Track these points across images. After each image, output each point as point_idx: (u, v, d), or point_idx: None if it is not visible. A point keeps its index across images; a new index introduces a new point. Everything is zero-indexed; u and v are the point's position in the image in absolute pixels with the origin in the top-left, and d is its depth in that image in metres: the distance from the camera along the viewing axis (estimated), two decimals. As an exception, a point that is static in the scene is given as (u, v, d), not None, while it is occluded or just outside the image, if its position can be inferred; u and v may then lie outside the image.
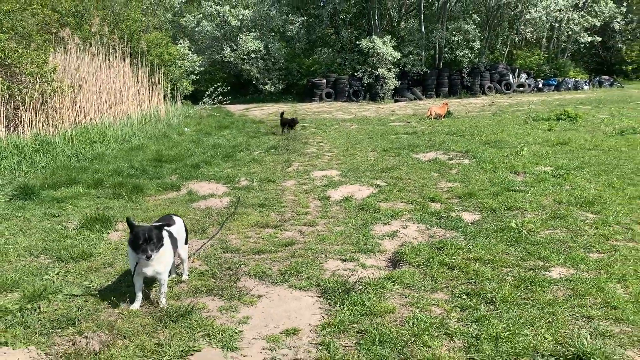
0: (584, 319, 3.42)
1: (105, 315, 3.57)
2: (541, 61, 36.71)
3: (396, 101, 29.06)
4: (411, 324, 3.40)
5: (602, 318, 3.43)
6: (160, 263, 3.67)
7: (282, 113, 15.73)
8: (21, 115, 11.32)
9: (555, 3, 29.47)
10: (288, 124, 14.45)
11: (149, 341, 3.22)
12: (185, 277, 4.32)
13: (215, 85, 21.54)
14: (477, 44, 30.17)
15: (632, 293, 3.76)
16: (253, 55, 28.11)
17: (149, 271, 3.65)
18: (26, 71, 11.21)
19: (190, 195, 7.22)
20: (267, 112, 23.29)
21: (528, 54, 37.23)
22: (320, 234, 5.51)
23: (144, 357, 3.07)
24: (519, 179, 7.54)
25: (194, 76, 25.92)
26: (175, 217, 4.31)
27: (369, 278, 4.17)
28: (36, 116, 11.63)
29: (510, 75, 32.90)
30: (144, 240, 3.52)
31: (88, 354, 3.04)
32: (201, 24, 28.71)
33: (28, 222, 5.90)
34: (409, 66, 30.61)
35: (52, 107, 12.38)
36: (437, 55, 32.30)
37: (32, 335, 3.26)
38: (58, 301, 3.77)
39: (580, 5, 33.17)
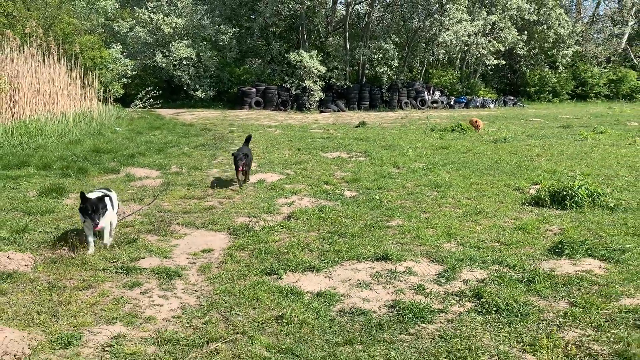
0: (399, 244, 5.33)
1: (73, 240, 5.08)
2: (454, 80, 40.15)
3: (321, 112, 31.12)
4: (288, 245, 5.17)
5: (411, 243, 5.35)
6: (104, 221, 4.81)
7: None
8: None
9: (464, 29, 32.76)
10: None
11: (109, 253, 4.79)
12: (105, 241, 5.04)
13: (146, 89, 22.59)
14: (395, 62, 32.91)
15: (437, 234, 5.72)
16: (185, 62, 29.27)
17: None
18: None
19: (128, 177, 8.67)
20: (198, 116, 24.59)
21: (443, 74, 40.58)
22: (235, 202, 7.20)
23: (106, 261, 4.64)
24: (397, 171, 9.57)
25: (126, 80, 26.72)
26: (110, 190, 5.41)
27: (265, 224, 5.91)
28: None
29: (426, 92, 35.97)
30: (92, 211, 4.62)
31: (68, 258, 4.57)
32: (134, 30, 29.56)
33: (-9, 192, 7.16)
34: (334, 80, 32.83)
35: (-10, 102, 13.26)
36: (360, 71, 34.80)
37: (25, 250, 4.73)
38: (37, 233, 5.24)
39: (487, 32, 36.85)
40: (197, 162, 10.48)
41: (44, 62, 16.35)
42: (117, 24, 30.48)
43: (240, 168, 7.93)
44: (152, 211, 6.56)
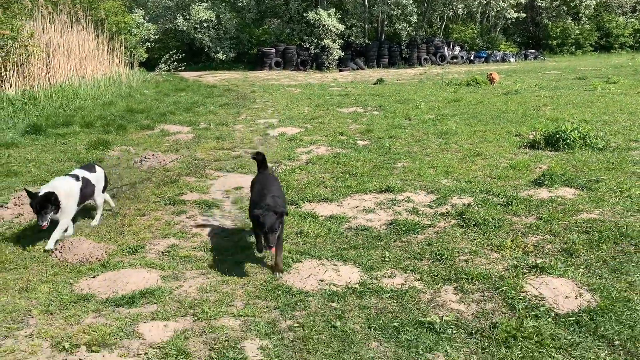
0: (402, 180, 6.15)
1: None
2: (475, 35, 39.85)
3: (340, 70, 31.54)
4: (306, 182, 6.05)
5: (412, 180, 6.17)
6: (63, 213, 4.26)
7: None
8: (5, 75, 13.19)
9: (483, -18, 32.45)
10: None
11: (156, 189, 5.73)
12: (95, 222, 4.78)
13: (169, 52, 23.38)
14: (414, 18, 32.91)
15: (436, 172, 6.50)
16: (205, 24, 29.86)
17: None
18: (7, 37, 13.05)
19: (163, 132, 9.59)
20: (220, 78, 25.37)
21: (463, 28, 40.24)
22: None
23: (155, 196, 5.59)
24: (408, 122, 10.29)
25: (149, 44, 27.54)
26: (96, 166, 4.83)
27: (286, 168, 6.78)
28: (17, 76, 13.52)
29: (445, 48, 35.93)
30: (37, 210, 4.08)
31: (124, 193, 5.52)
32: (155, -6, 30.16)
33: (45, 147, 8.16)
34: (353, 38, 33.05)
35: (29, 69, 14.25)
36: (378, 28, 34.89)
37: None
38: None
39: (507, -16, 36.33)
40: (223, 119, 11.34)
41: (73, 28, 17.24)
42: (138, -11, 31.03)
43: (271, 247, 3.81)
44: (187, 159, 7.48)
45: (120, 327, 3.04)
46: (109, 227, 4.76)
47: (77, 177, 4.44)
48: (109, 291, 3.53)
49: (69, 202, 4.22)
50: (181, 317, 3.21)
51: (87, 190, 4.51)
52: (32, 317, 3.22)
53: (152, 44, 28.08)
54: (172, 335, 3.01)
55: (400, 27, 33.81)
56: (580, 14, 40.65)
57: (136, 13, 27.77)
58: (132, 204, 5.39)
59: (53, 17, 16.19)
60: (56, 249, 4.16)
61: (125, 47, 23.54)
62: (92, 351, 2.80)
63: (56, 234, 4.21)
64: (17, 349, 2.88)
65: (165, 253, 4.20)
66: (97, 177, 4.69)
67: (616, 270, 3.63)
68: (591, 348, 2.78)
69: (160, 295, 3.46)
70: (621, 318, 3.02)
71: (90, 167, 4.74)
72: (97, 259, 4.07)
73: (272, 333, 3.03)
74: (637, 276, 3.54)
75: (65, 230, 4.44)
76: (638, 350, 2.74)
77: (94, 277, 3.77)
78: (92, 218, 4.93)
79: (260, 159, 4.71)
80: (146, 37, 27.58)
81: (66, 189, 4.26)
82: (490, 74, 18.23)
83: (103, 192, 4.86)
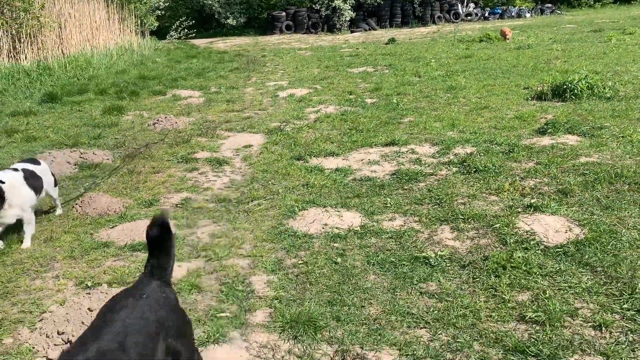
0: (407, 134, 6.28)
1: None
2: (489, -10, 38.84)
3: (352, 32, 31.17)
4: (313, 139, 6.21)
5: (418, 133, 6.29)
6: (15, 207, 3.81)
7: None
8: (19, 47, 13.43)
9: None
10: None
11: (169, 149, 5.96)
12: (59, 212, 4.46)
13: (180, 20, 23.35)
14: (426, -24, 32.18)
15: (442, 125, 6.61)
16: (214, -10, 29.64)
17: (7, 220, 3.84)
18: (20, 8, 13.22)
19: (175, 97, 9.78)
20: (230, 44, 25.33)
21: (477, -16, 39.21)
22: (269, 112, 8.23)
23: (168, 155, 5.81)
24: (417, 79, 10.31)
25: (159, 12, 27.49)
26: (40, 160, 4.47)
27: (295, 126, 6.95)
28: (31, 47, 13.74)
29: (459, 5, 35.17)
30: None
31: (139, 153, 5.76)
32: (163, -39, 29.90)
33: (62, 114, 8.41)
34: (364, -2, 32.51)
35: (42, 40, 14.45)
36: (390, -13, 34.18)
37: (104, 149, 5.95)
38: (109, 139, 6.45)
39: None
40: (233, 82, 11.47)
41: (83, -2, 17.33)
42: (145, -44, 30.77)
43: None
44: (199, 121, 7.68)
45: (138, 268, 3.30)
46: (125, 184, 5.01)
47: (15, 169, 4.02)
48: (127, 239, 3.78)
49: (15, 193, 3.79)
50: (194, 259, 3.46)
51: (34, 182, 4.05)
52: (57, 262, 3.50)
53: (163, 12, 28.00)
54: (186, 273, 3.26)
55: (412, -16, 33.10)
56: (600, -36, 39.31)
57: (145, -19, 27.62)
58: (146, 162, 5.63)
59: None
60: (76, 204, 4.43)
61: (135, 16, 23.57)
62: (112, 287, 3.06)
63: (28, 231, 3.91)
64: (46, 287, 3.16)
65: (179, 205, 4.44)
66: (42, 170, 4.25)
67: (608, 207, 3.76)
68: (575, 274, 2.96)
69: (175, 240, 3.70)
70: (606, 248, 3.18)
71: (32, 161, 4.37)
72: (115, 212, 4.33)
73: (277, 269, 3.26)
74: (628, 212, 3.68)
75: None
76: (619, 274, 2.91)
77: (112, 227, 4.03)
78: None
79: (156, 239, 2.10)
80: (156, 5, 27.47)
81: (9, 180, 3.79)
82: (504, 30, 17.96)
83: (55, 186, 4.43)
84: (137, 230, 3.89)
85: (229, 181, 5.04)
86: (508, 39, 17.32)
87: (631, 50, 12.08)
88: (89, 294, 2.93)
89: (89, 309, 2.77)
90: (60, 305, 2.89)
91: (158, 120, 7.44)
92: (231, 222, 4.03)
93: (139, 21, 24.24)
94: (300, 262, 3.33)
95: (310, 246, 3.55)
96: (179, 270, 3.28)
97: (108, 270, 3.33)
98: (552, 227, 3.49)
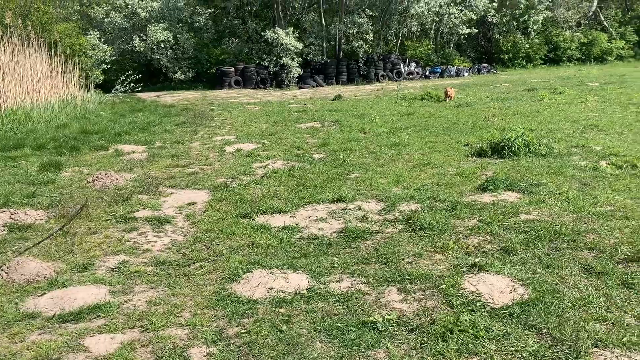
0: (354, 190, 6.30)
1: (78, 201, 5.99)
2: (429, 51, 40.90)
3: (300, 88, 31.83)
4: (260, 196, 6.13)
5: (364, 189, 6.32)
6: None
7: None
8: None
9: (435, 0, 33.50)
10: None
11: (108, 208, 5.70)
12: None
13: (126, 73, 23.15)
14: (370, 36, 33.64)
15: (388, 182, 6.69)
16: (162, 45, 29.73)
17: None
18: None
19: (117, 152, 9.51)
20: (178, 97, 25.25)
21: (418, 45, 41.26)
22: (215, 168, 8.11)
23: (107, 214, 5.56)
24: (363, 136, 10.51)
25: (105, 65, 27.21)
26: None
27: (241, 182, 6.85)
28: (-34, 99, 13.18)
29: (402, 64, 36.76)
30: None
31: (74, 213, 5.48)
32: (110, 15, 29.89)
33: (-6, 170, 7.98)
34: (311, 56, 33.46)
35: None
36: (336, 46, 35.43)
37: (37, 209, 5.63)
38: (44, 198, 6.13)
39: (458, 1, 37.59)
40: (179, 137, 11.32)
41: (24, 51, 16.93)
42: (92, 11, 30.75)
43: None
44: (141, 177, 7.45)
45: (65, 342, 3.04)
46: (57, 246, 4.72)
47: None
48: (56, 308, 3.51)
49: None
50: (128, 329, 3.23)
51: None
52: (-25, 338, 3.19)
53: (109, 66, 27.77)
54: (119, 346, 3.03)
55: (357, 45, 34.45)
56: (529, 29, 42.27)
57: (91, 35, 27.47)
58: (82, 222, 5.35)
59: (3, 40, 15.88)
60: (2, 270, 4.10)
61: (80, 69, 23.20)
62: (36, 366, 2.79)
63: None
64: (-42, 369, 2.85)
65: (115, 269, 4.20)
66: None
67: (549, 266, 3.83)
68: (521, 337, 2.94)
69: (109, 309, 3.46)
70: (550, 308, 3.21)
71: None
72: (44, 277, 4.04)
73: (219, 340, 3.08)
74: (569, 270, 3.75)
75: None
76: (563, 336, 2.92)
77: (40, 295, 3.74)
78: None
79: None
80: (102, 58, 27.27)
81: None
82: (446, 91, 18.30)
83: None
84: (68, 298, 3.63)
85: (169, 242, 4.84)
86: (452, 99, 17.28)
87: (562, 109, 12.84)
88: (7, 375, 2.65)
89: (5, 392, 2.50)
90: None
91: (98, 177, 7.16)
92: (170, 287, 3.83)
93: (84, 74, 23.88)
94: (243, 331, 3.17)
95: (254, 313, 3.40)
96: (110, 343, 3.05)
97: (32, 345, 3.05)
98: (497, 288, 3.50)
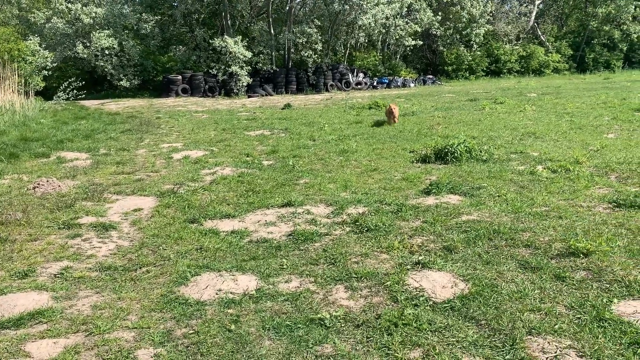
0: (303, 195, 6.37)
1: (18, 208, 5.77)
2: (377, 62, 41.76)
3: (249, 96, 31.73)
4: (208, 201, 6.09)
5: (313, 194, 6.41)
6: None
7: None
8: None
9: (382, 12, 34.30)
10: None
11: (49, 214, 5.53)
12: None
13: (69, 80, 22.41)
14: (319, 46, 34.00)
15: (336, 187, 6.81)
16: (107, 52, 28.98)
17: None
18: None
19: (59, 160, 9.21)
20: (123, 105, 24.65)
21: (365, 56, 42.06)
22: (162, 175, 8.00)
23: (48, 221, 5.39)
24: (312, 143, 10.62)
25: (46, 72, 26.26)
26: None
27: (189, 189, 6.79)
28: None
29: (350, 75, 37.33)
30: None
31: (14, 220, 5.28)
32: (52, 21, 28.89)
33: None
34: (261, 64, 33.46)
35: None
36: (285, 55, 35.60)
37: (-28, 216, 5.39)
38: (-19, 205, 5.87)
39: (404, 14, 38.63)
40: (124, 144, 11.08)
41: (-42, 55, 16.14)
42: (32, 15, 29.65)
43: None
44: (84, 184, 7.26)
45: (5, 348, 2.95)
46: (-5, 254, 4.54)
47: None
48: (-6, 316, 3.39)
49: None
50: (72, 334, 3.16)
51: None
52: None
53: (50, 73, 26.82)
54: (62, 350, 2.96)
55: (306, 54, 34.75)
56: (472, 42, 43.90)
57: (31, 40, 26.46)
58: (22, 229, 5.16)
59: None
60: None
61: (19, 75, 22.29)
62: (-27, 373, 2.69)
63: None
64: None
65: (57, 275, 4.09)
66: None
67: (489, 262, 4.03)
68: (462, 328, 3.09)
69: (51, 314, 3.38)
70: (488, 301, 3.38)
71: None
72: (-19, 286, 3.88)
73: (166, 341, 3.07)
74: (506, 266, 3.96)
75: None
76: (501, 326, 3.08)
77: (-23, 303, 3.60)
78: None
79: None
80: (43, 65, 26.31)
81: None
82: (390, 109, 13.51)
83: None
84: (7, 305, 3.51)
85: (115, 247, 4.75)
86: (395, 120, 13.19)
87: (502, 118, 13.42)
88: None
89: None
90: None
91: (39, 184, 6.92)
92: (116, 292, 3.77)
93: (23, 80, 22.95)
94: (191, 331, 3.17)
95: (202, 314, 3.39)
96: (53, 348, 2.98)
97: (-32, 353, 2.94)
98: (439, 283, 3.65)
